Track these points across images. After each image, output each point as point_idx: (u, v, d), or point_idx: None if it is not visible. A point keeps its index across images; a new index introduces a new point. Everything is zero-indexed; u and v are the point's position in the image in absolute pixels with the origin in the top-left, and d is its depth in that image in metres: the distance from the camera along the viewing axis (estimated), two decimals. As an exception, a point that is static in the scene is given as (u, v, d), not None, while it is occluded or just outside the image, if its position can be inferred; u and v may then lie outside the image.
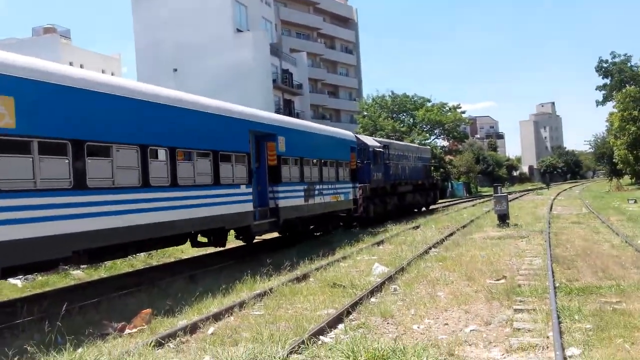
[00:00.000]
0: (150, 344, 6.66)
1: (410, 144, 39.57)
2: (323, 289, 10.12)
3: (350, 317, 8.13)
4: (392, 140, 35.57)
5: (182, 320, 8.24)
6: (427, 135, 58.48)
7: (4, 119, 7.87)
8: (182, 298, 9.42)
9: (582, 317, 7.46)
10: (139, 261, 15.30)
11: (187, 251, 17.32)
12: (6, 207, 7.92)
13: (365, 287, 9.83)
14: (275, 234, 17.98)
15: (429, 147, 48.23)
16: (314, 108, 63.76)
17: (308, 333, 6.89)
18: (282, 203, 16.08)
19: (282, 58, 53.83)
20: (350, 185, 22.10)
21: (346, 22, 74.79)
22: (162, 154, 11.35)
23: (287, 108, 52.20)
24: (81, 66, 47.48)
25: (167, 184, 11.35)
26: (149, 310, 8.36)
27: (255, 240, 17.29)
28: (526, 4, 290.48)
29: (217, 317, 8.24)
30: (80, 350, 6.47)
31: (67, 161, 8.95)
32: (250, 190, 14.62)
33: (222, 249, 15.47)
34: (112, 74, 65.98)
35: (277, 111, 42.82)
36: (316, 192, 18.53)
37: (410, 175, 32.13)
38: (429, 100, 60.31)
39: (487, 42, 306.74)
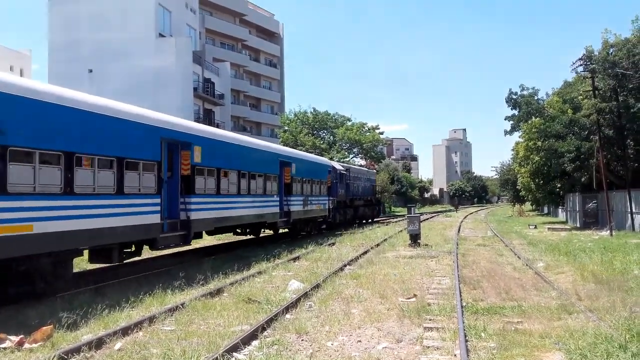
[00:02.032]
0: (52, 359, 6.27)
1: (363, 168, 45.75)
2: (237, 304, 9.99)
3: (265, 333, 8.06)
4: (351, 165, 43.37)
5: (87, 335, 7.83)
6: (346, 153, 59.57)
7: (198, 158, 15.18)
8: (87, 311, 8.96)
9: (487, 336, 7.82)
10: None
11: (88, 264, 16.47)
12: (198, 202, 15.24)
13: (281, 303, 9.81)
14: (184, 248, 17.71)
15: (374, 170, 53.25)
16: (235, 119, 63.15)
17: (222, 349, 6.76)
18: (292, 208, 23.62)
19: (204, 67, 52.97)
20: (327, 198, 29.69)
21: (272, 36, 74.84)
22: (245, 175, 18.66)
23: (207, 118, 51.33)
24: (-14, 59, 44.39)
25: (246, 192, 18.75)
26: (51, 325, 7.86)
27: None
28: (443, 36, 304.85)
29: (125, 331, 7.90)
30: (-29, 366, 5.99)
31: (214, 178, 16.34)
32: (278, 198, 21.81)
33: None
34: (21, 71, 62.30)
35: (197, 120, 41.98)
36: (309, 202, 25.97)
37: (363, 193, 40.20)
38: (349, 120, 61.61)
39: (407, 66, 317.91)
